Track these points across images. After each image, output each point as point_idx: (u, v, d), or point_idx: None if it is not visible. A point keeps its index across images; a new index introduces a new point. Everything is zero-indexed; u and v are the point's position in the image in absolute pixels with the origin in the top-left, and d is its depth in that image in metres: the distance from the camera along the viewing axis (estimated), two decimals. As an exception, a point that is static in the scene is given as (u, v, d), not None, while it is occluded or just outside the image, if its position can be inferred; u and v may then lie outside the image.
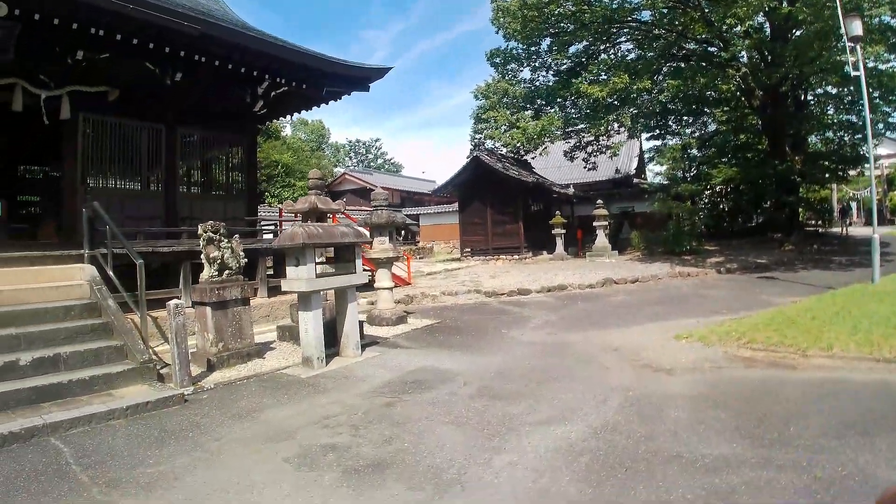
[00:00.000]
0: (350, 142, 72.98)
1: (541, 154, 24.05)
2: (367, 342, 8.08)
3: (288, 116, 13.18)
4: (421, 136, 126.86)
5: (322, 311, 8.02)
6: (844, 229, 29.11)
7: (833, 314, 7.60)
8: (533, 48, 22.85)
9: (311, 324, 6.53)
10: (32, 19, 7.01)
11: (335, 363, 6.88)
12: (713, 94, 21.71)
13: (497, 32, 21.73)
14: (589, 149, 25.56)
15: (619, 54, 21.96)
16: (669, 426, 4.43)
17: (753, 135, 23.75)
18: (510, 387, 5.68)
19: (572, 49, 22.40)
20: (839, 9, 11.99)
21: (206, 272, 6.83)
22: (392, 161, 73.46)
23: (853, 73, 11.83)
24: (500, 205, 24.04)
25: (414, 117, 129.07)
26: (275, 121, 13.72)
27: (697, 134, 27.90)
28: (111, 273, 6.98)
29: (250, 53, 9.22)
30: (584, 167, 26.74)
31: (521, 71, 24.13)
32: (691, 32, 19.21)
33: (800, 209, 23.76)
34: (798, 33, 17.67)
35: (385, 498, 3.48)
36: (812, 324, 7.14)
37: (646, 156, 33.17)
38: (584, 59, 22.37)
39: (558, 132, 22.72)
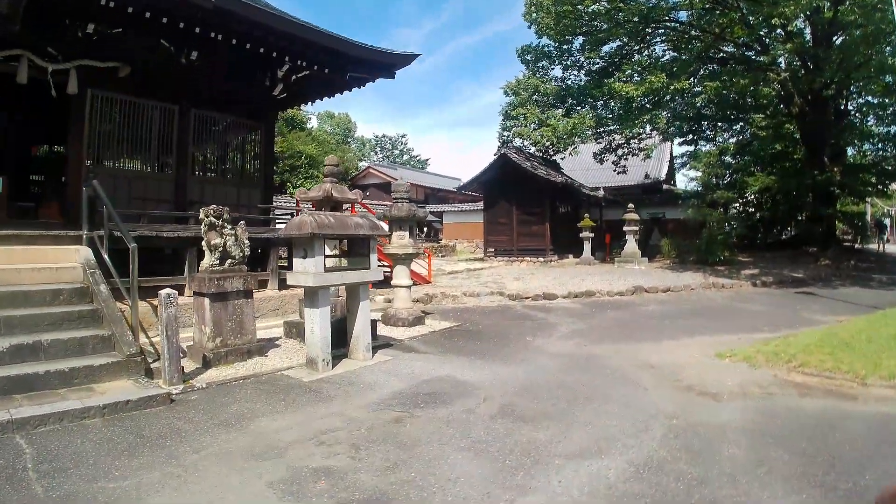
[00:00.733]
0: (376, 136, 72.63)
1: (570, 154, 23.27)
2: (379, 344, 7.46)
3: (309, 103, 12.61)
4: (448, 135, 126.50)
5: (332, 309, 7.46)
6: (882, 245, 27.83)
7: (890, 337, 6.80)
8: (565, 46, 22.16)
9: (317, 322, 5.91)
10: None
11: (342, 366, 6.26)
12: (751, 100, 20.82)
13: (529, 28, 21.08)
14: (619, 151, 24.75)
15: (654, 56, 21.13)
16: (725, 467, 3.69)
17: (790, 143, 22.71)
18: (536, 406, 4.98)
19: (605, 49, 21.65)
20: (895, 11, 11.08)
21: (207, 260, 6.28)
22: (418, 157, 72.92)
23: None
24: (526, 205, 23.29)
25: (442, 116, 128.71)
26: (297, 108, 13.18)
27: (733, 140, 26.81)
28: (106, 256, 6.47)
29: (269, 32, 8.66)
30: (614, 170, 25.87)
31: (553, 69, 23.47)
32: (729, 35, 18.33)
33: (836, 223, 22.72)
34: (841, 39, 16.88)
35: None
36: (868, 347, 6.40)
37: (676, 162, 32.03)
38: (617, 60, 21.62)
39: (589, 132, 21.92)
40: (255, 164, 11.05)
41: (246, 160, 11.09)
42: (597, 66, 22.39)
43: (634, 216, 20.72)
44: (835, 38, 17.44)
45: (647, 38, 20.91)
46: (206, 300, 6.12)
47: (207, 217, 6.19)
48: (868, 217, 34.87)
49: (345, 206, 12.40)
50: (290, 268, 9.41)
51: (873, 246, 27.50)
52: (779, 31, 17.30)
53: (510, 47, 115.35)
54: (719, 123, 24.91)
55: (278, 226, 10.77)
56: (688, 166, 30.41)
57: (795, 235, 24.72)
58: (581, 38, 21.31)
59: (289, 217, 13.47)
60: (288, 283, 6.01)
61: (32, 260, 6.45)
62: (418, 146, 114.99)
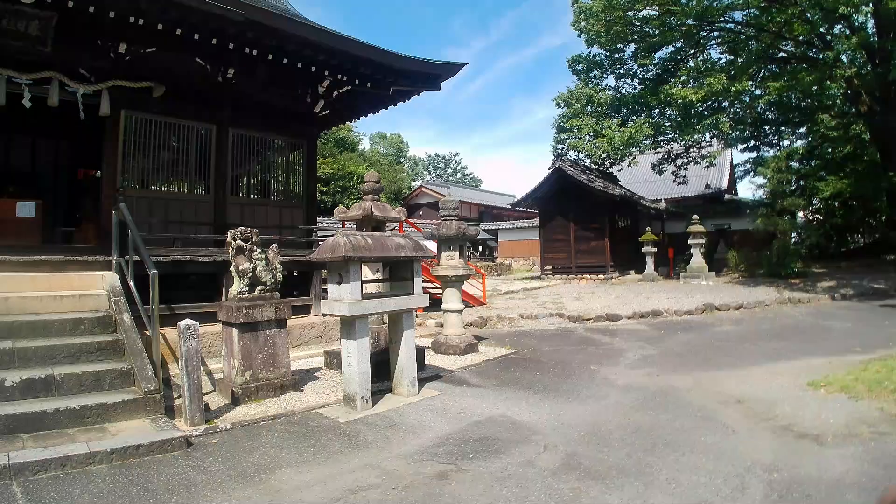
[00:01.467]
0: (429, 156, 73.06)
1: (629, 165, 22.19)
2: (427, 375, 6.78)
3: (354, 120, 12.19)
4: (502, 152, 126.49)
5: (375, 338, 6.82)
6: None
7: None
8: (617, 55, 21.37)
9: (354, 355, 5.27)
10: (67, 7, 6.35)
11: (384, 403, 5.58)
12: (815, 101, 19.26)
13: (579, 37, 20.35)
14: (679, 161, 23.55)
15: (709, 61, 19.93)
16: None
17: (859, 145, 20.96)
18: (607, 457, 4.13)
19: (658, 55, 20.72)
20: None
21: (235, 287, 5.77)
22: (471, 176, 72.68)
23: None
24: (584, 220, 22.41)
25: (495, 134, 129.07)
26: (341, 125, 12.82)
27: (798, 144, 25.11)
28: (132, 283, 6.05)
29: (305, 45, 8.26)
30: (674, 181, 24.62)
31: (605, 78, 22.62)
32: (788, 32, 17.01)
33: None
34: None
35: None
36: None
37: (739, 170, 30.27)
38: (671, 66, 20.67)
39: (647, 141, 20.84)
40: (298, 184, 10.67)
41: (288, 180, 10.72)
42: (650, 73, 21.46)
43: (700, 228, 19.45)
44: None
45: (701, 42, 19.92)
46: (235, 331, 5.60)
47: (235, 240, 5.70)
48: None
49: (393, 227, 11.88)
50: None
51: None
52: (839, 25, 16.10)
53: (561, 61, 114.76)
54: (782, 128, 23.42)
55: (321, 247, 10.32)
56: (751, 174, 28.71)
57: (871, 243, 23.16)
58: (633, 46, 20.50)
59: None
60: (322, 311, 5.41)
61: (57, 287, 6.14)
62: (472, 165, 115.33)
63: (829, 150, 21.93)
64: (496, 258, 36.64)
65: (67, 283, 6.19)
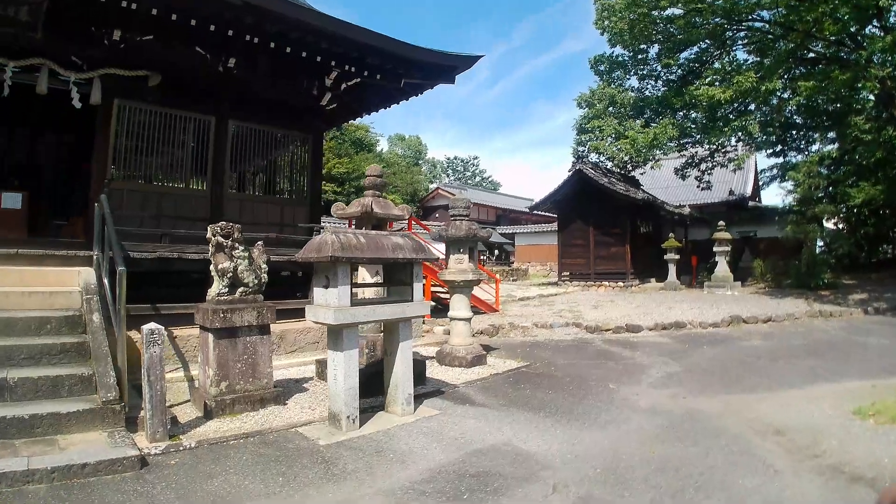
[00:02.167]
0: (448, 158, 72.53)
1: (652, 167, 21.46)
2: (427, 390, 6.17)
3: (364, 115, 11.65)
4: (521, 157, 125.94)
5: (370, 347, 6.24)
6: None
7: None
8: (640, 56, 20.61)
9: (341, 369, 4.67)
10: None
11: (374, 423, 4.96)
12: (845, 104, 18.29)
13: (602, 35, 19.58)
14: (703, 166, 22.65)
15: (735, 63, 19.07)
16: None
17: (891, 150, 19.89)
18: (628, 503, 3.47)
19: (683, 55, 19.95)
20: None
21: (214, 288, 5.22)
22: (489, 179, 71.96)
23: None
24: (604, 224, 21.67)
25: (515, 138, 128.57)
26: (351, 122, 12.31)
27: (827, 149, 24.00)
28: (106, 280, 5.54)
29: (310, 32, 7.76)
30: (698, 186, 23.69)
31: (628, 79, 21.86)
32: (818, 32, 16.09)
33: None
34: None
35: None
36: None
37: (765, 175, 29.21)
38: (696, 66, 19.87)
39: (672, 144, 20.08)
40: (301, 181, 10.14)
41: (291, 176, 10.21)
42: (675, 74, 20.69)
43: (726, 235, 18.58)
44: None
45: (728, 42, 19.10)
46: (210, 336, 5.05)
47: (214, 236, 5.16)
48: None
49: (402, 227, 11.25)
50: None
51: None
52: (871, 25, 15.34)
53: (582, 67, 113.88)
54: (810, 132, 22.49)
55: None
56: (778, 179, 27.67)
57: (902, 253, 21.90)
58: (657, 47, 19.82)
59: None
60: (307, 317, 4.82)
61: (30, 282, 5.71)
62: (492, 169, 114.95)
63: (861, 154, 20.96)
64: (512, 263, 35.95)
65: (41, 279, 5.75)
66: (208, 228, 5.20)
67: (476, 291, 12.53)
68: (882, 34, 15.10)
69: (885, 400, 5.33)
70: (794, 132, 22.10)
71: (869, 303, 13.22)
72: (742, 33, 18.73)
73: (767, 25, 17.77)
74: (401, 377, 5.20)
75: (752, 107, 17.94)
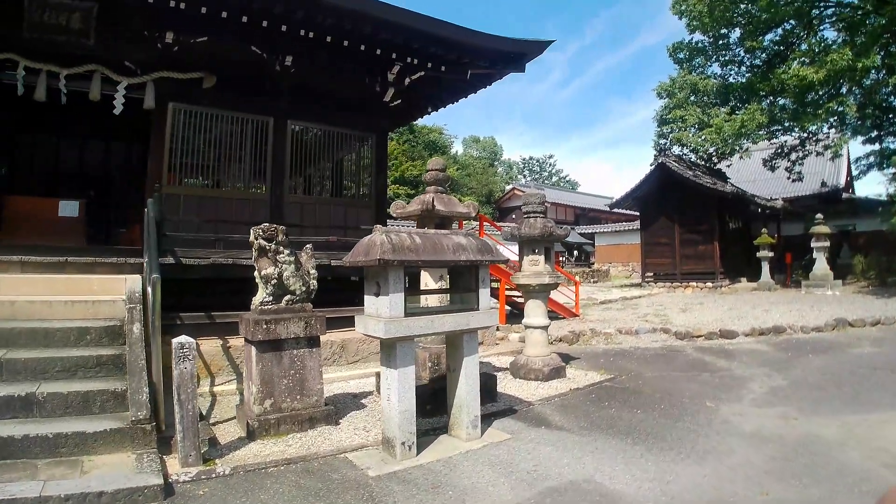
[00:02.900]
0: (523, 159, 71.12)
1: (741, 157, 19.81)
2: (498, 409, 5.45)
3: (430, 111, 11.04)
4: (598, 156, 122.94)
5: (434, 360, 5.57)
6: None
7: None
8: (721, 41, 19.14)
9: (395, 389, 4.03)
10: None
11: (434, 449, 4.28)
12: None
13: (680, 19, 18.30)
14: (793, 156, 20.79)
15: (823, 43, 17.14)
16: None
17: None
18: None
19: (767, 38, 18.33)
20: None
21: (258, 296, 4.74)
22: (567, 178, 70.03)
23: None
24: (690, 221, 20.16)
25: (593, 137, 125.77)
26: (417, 117, 11.73)
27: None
28: (150, 288, 5.19)
29: (367, 22, 7.25)
30: (788, 177, 21.83)
31: (710, 66, 20.33)
32: None
33: None
34: None
35: None
36: None
37: (861, 164, 26.35)
38: (781, 49, 18.21)
39: (761, 132, 18.41)
40: (365, 181, 9.69)
41: (354, 177, 9.77)
42: (759, 59, 19.06)
43: (825, 229, 16.73)
44: None
45: (814, 21, 17.32)
46: (253, 349, 4.56)
47: (256, 239, 4.68)
48: None
49: (473, 227, 10.54)
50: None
51: None
52: None
53: (658, 61, 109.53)
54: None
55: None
56: (875, 167, 24.81)
57: None
58: (738, 31, 18.32)
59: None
60: (356, 328, 4.23)
61: (75, 291, 5.48)
62: (569, 169, 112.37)
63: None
64: (593, 264, 34.48)
65: (87, 287, 5.50)
66: (251, 231, 4.73)
67: (554, 295, 11.65)
68: None
69: None
70: (891, 115, 19.76)
71: None
72: (830, 10, 17.05)
73: (857, 0, 15.91)
74: (465, 397, 4.50)
75: (844, 90, 16.27)
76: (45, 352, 4.59)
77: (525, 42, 9.01)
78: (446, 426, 4.71)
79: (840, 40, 16.93)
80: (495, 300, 11.85)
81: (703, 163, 21.99)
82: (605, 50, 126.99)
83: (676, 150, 21.40)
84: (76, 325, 4.90)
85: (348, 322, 7.28)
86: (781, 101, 17.87)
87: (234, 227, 7.65)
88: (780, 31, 18.01)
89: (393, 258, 3.83)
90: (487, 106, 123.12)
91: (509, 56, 8.98)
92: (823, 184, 25.74)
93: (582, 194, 52.41)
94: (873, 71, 15.49)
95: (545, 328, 7.24)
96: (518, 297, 11.55)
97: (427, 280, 5.86)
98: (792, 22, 17.24)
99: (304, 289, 4.79)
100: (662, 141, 21.39)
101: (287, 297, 4.74)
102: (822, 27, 17.76)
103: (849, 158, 28.18)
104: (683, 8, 17.49)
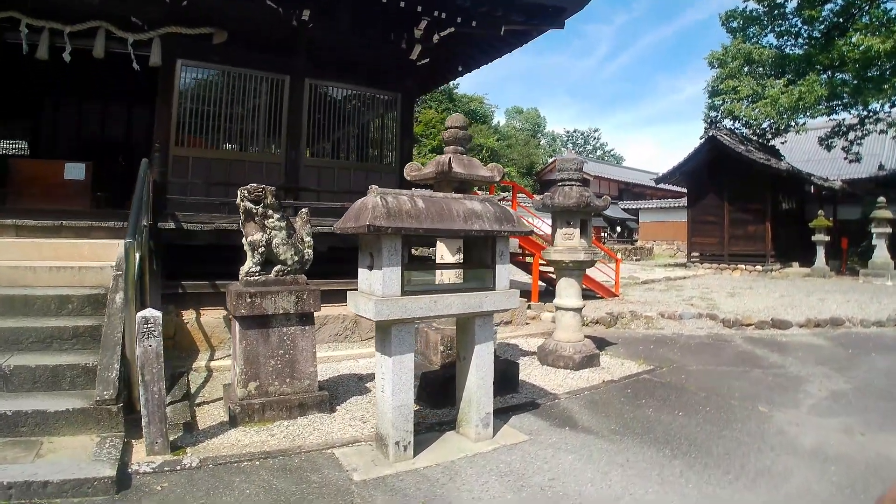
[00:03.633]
0: (567, 132, 69.04)
1: (797, 132, 18.51)
2: (518, 402, 4.85)
3: (463, 72, 10.20)
4: (644, 132, 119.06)
5: (446, 344, 4.95)
6: None
7: None
8: (777, 11, 17.79)
9: (389, 379, 3.45)
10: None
11: (436, 450, 3.69)
12: None
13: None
14: (851, 135, 19.22)
15: (887, 15, 15.44)
16: None
17: None
18: None
19: (826, 8, 16.87)
20: None
21: (245, 265, 4.21)
22: (611, 152, 67.76)
23: None
24: (741, 199, 18.98)
25: (637, 113, 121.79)
26: (449, 80, 10.97)
27: None
28: (137, 255, 4.75)
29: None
30: (845, 158, 20.23)
31: (765, 36, 18.96)
32: None
33: None
34: None
35: None
36: None
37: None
38: (841, 21, 16.72)
39: (820, 106, 16.98)
40: (390, 145, 9.06)
41: (377, 140, 9.15)
42: (817, 31, 17.62)
43: (887, 214, 15.50)
44: None
45: None
46: (237, 325, 4.05)
47: (242, 201, 4.13)
48: None
49: (505, 196, 9.81)
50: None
51: None
52: None
53: (709, 34, 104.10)
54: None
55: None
56: None
57: None
58: (794, 1, 17.05)
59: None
60: (348, 305, 3.66)
61: (61, 257, 5.16)
62: (613, 144, 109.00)
63: None
64: (636, 241, 33.16)
65: (77, 253, 5.17)
66: (238, 192, 4.19)
67: (591, 272, 10.85)
68: None
69: None
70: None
71: None
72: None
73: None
74: (476, 391, 3.88)
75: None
76: (22, 321, 4.26)
77: (567, -6, 8.13)
78: (453, 423, 4.12)
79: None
80: (528, 275, 11.14)
81: (756, 138, 20.52)
82: (652, 23, 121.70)
83: (728, 123, 20.04)
84: (59, 292, 4.56)
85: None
86: (840, 77, 16.55)
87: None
88: (840, 0, 16.62)
89: (387, 225, 3.20)
90: (530, 79, 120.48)
91: (546, 10, 8.12)
92: (881, 167, 23.81)
93: (626, 168, 50.45)
94: None
95: (578, 310, 6.52)
96: (553, 273, 10.83)
97: (444, 253, 5.24)
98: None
99: (296, 258, 4.24)
100: (713, 113, 20.00)
101: (277, 268, 4.21)
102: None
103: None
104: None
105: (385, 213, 3.24)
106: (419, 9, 7.40)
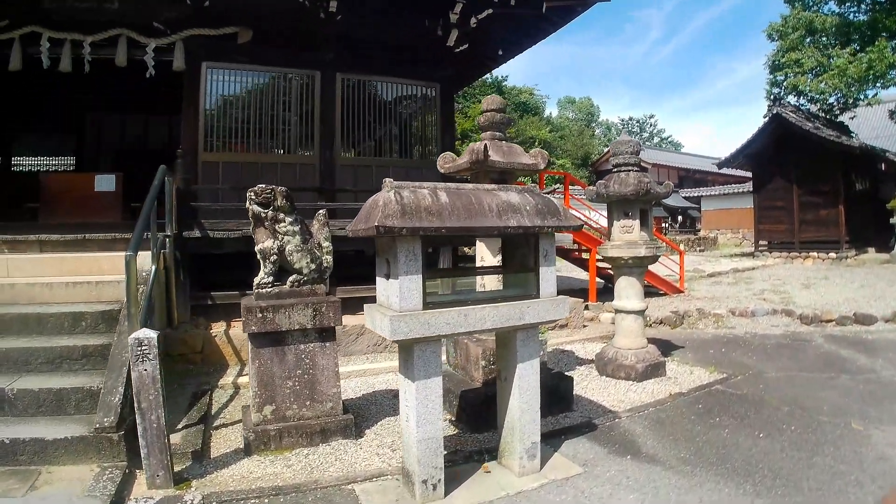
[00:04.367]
0: (622, 120, 66.69)
1: (869, 104, 17.28)
2: (571, 423, 4.26)
3: (506, 57, 9.57)
4: (701, 118, 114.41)
5: (486, 360, 4.41)
6: None
7: None
8: None
9: (413, 406, 2.94)
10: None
11: (472, 487, 3.14)
12: None
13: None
14: None
15: None
16: None
17: None
18: None
19: None
20: None
21: (259, 276, 3.80)
22: (669, 139, 65.02)
23: None
24: (810, 181, 17.48)
25: (692, 98, 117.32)
26: (492, 67, 10.28)
27: None
28: (154, 266, 4.54)
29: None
30: None
31: (825, 3, 17.42)
32: None
33: None
34: None
35: None
36: None
37: None
38: None
39: (892, 74, 15.45)
40: (430, 139, 8.57)
41: (416, 135, 8.67)
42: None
43: None
44: None
45: None
46: (250, 344, 3.65)
47: (250, 205, 3.72)
48: None
49: (556, 188, 9.12)
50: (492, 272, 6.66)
51: None
52: None
53: (766, 9, 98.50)
54: None
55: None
56: None
57: None
58: None
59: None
60: (366, 322, 3.18)
61: (80, 271, 4.99)
62: (670, 130, 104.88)
63: None
64: (699, 230, 31.40)
65: (96, 267, 4.98)
66: (248, 193, 3.78)
67: (653, 266, 10.03)
68: None
69: None
70: None
71: None
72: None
73: None
74: (519, 417, 3.31)
75: None
76: (34, 340, 4.06)
77: (615, -38, 7.40)
78: (495, 452, 3.56)
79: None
80: (585, 272, 10.40)
81: (823, 114, 18.92)
82: (704, 2, 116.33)
83: (792, 100, 18.51)
84: (73, 309, 4.36)
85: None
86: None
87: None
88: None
89: (400, 225, 2.69)
90: (581, 70, 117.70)
91: (591, -19, 7.46)
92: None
93: (685, 154, 48.09)
94: None
95: (640, 313, 5.79)
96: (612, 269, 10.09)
97: (484, 254, 4.70)
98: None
99: (313, 266, 3.79)
100: (776, 90, 18.50)
101: (292, 278, 3.78)
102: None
103: None
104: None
105: (399, 211, 2.73)
106: (454, -12, 6.92)
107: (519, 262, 3.52)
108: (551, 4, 7.47)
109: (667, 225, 31.77)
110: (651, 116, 67.91)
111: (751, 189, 20.84)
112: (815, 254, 17.38)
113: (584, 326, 8.23)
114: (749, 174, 21.16)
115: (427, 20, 7.60)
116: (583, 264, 10.74)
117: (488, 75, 37.81)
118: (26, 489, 2.97)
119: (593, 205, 8.49)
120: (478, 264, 4.79)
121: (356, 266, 6.72)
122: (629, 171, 5.53)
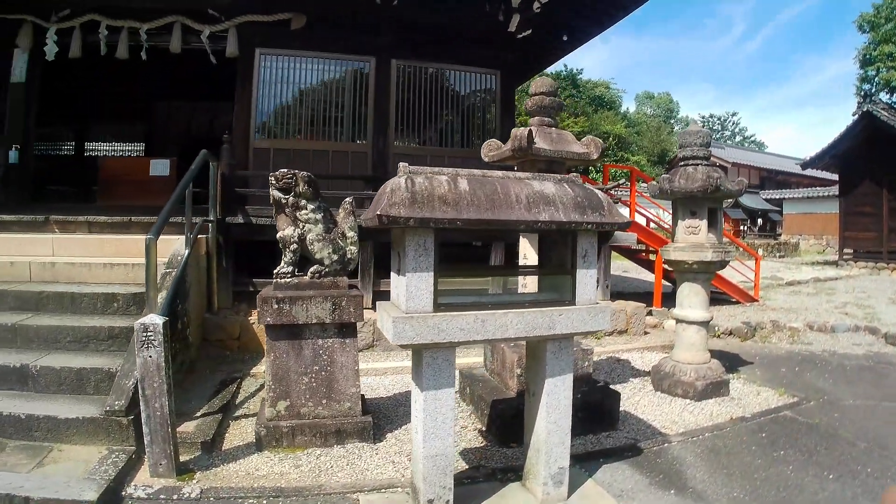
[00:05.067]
0: (702, 117, 63.40)
1: None
2: (614, 445, 3.84)
3: (574, 44, 9.02)
4: (786, 117, 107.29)
5: (520, 367, 4.06)
6: None
7: None
8: None
9: (420, 418, 2.67)
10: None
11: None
12: None
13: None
14: None
15: None
16: None
17: None
18: None
19: None
20: None
21: (280, 264, 3.64)
22: (752, 138, 61.22)
23: None
24: (903, 186, 15.92)
25: (777, 96, 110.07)
26: (561, 55, 9.71)
27: None
28: (188, 250, 4.51)
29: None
30: None
31: None
32: None
33: None
34: None
35: None
36: None
37: None
38: None
39: None
40: (489, 129, 8.23)
41: (475, 123, 8.34)
42: None
43: None
44: None
45: None
46: (266, 334, 3.49)
47: (272, 190, 3.55)
48: None
49: (619, 184, 8.78)
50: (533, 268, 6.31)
51: None
52: None
53: (856, 3, 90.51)
54: None
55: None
56: None
57: None
58: None
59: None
60: (377, 321, 2.94)
61: (120, 253, 5.09)
62: (753, 130, 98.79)
63: None
64: (779, 235, 29.28)
65: (136, 249, 4.97)
66: (270, 177, 3.62)
67: (726, 272, 9.20)
68: None
69: None
70: None
71: None
72: None
73: None
74: (545, 437, 2.96)
75: None
76: (66, 319, 4.14)
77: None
78: (520, 472, 3.23)
79: None
80: (651, 274, 9.74)
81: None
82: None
83: (884, 96, 16.74)
84: (108, 290, 4.41)
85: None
86: None
87: (331, 182, 6.76)
88: None
89: (407, 215, 2.41)
90: (661, 65, 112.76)
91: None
92: None
93: (768, 154, 44.87)
94: None
95: (704, 324, 5.22)
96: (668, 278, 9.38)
97: (527, 251, 4.35)
98: None
99: (335, 257, 3.59)
100: (866, 86, 16.91)
101: (313, 269, 3.59)
102: None
103: None
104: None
105: (408, 199, 2.45)
106: (516, -28, 6.54)
107: (555, 263, 3.16)
108: (624, -20, 6.95)
109: (745, 228, 29.83)
110: (734, 114, 64.09)
111: (837, 193, 19.43)
112: (904, 265, 16.03)
113: (646, 333, 7.66)
114: (835, 177, 19.67)
115: (488, 4, 7.24)
116: (649, 266, 10.08)
117: (562, 67, 36.77)
118: (32, 466, 3.00)
119: (655, 199, 7.87)
120: (521, 262, 4.45)
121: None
122: (697, 164, 4.96)
